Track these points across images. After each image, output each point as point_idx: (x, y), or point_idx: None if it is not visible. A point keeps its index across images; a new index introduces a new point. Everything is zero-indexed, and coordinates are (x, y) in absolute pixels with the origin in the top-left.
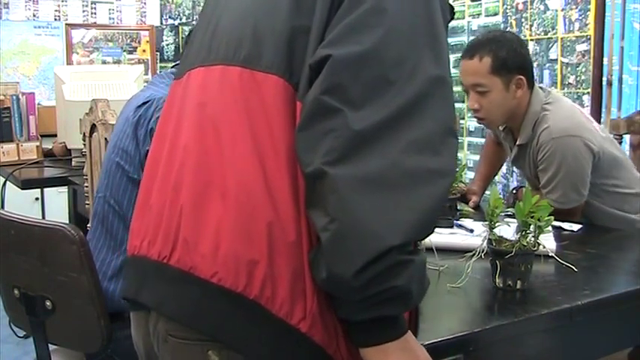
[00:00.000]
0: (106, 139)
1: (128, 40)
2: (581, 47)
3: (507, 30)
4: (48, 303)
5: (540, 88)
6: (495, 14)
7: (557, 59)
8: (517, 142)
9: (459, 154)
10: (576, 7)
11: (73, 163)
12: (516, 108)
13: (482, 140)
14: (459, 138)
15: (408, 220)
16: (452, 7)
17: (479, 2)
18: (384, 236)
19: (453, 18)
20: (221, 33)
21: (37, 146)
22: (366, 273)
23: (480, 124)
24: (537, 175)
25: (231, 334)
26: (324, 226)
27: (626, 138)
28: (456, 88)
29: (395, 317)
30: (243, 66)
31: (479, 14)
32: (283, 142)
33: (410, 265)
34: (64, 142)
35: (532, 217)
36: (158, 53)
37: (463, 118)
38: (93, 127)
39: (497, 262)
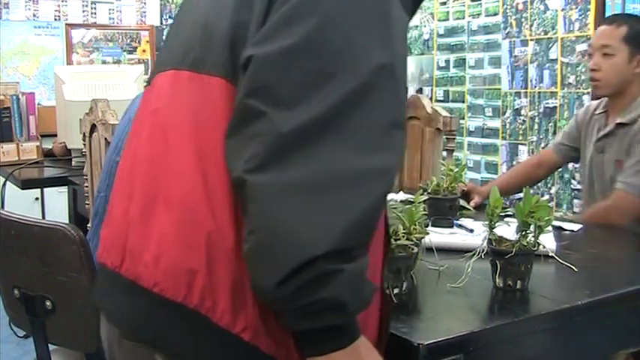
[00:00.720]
0: (106, 139)
1: (128, 40)
2: (581, 47)
3: None
4: (48, 303)
5: None
6: (495, 14)
7: (557, 59)
8: (617, 121)
9: (459, 154)
10: (576, 7)
11: (73, 163)
12: (629, 84)
13: (483, 140)
14: (459, 138)
15: (337, 226)
16: None
17: (479, 2)
18: (308, 245)
19: None
20: (179, 37)
21: (37, 146)
22: (290, 284)
23: (593, 85)
24: (615, 162)
25: (174, 343)
26: (245, 238)
27: None
28: (458, 88)
29: (338, 326)
30: (192, 69)
31: (479, 14)
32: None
33: (338, 275)
34: (64, 142)
35: (532, 217)
36: (158, 53)
37: (463, 118)
38: (93, 127)
39: (497, 262)
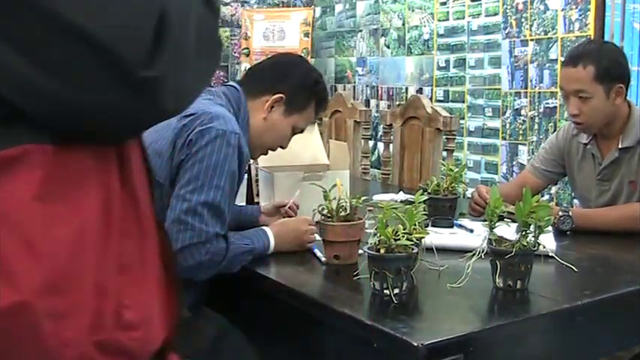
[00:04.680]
0: None
1: None
2: None
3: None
4: None
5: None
6: (495, 14)
7: (557, 59)
8: (621, 146)
9: (459, 154)
10: (576, 7)
11: None
12: (613, 115)
13: (483, 140)
14: (459, 138)
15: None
16: None
17: (479, 2)
18: None
19: None
20: None
21: None
22: None
23: (577, 128)
24: (630, 183)
25: None
26: None
27: None
28: (458, 88)
29: None
30: None
31: (479, 14)
32: None
33: None
34: None
35: (532, 217)
36: None
37: (463, 118)
38: None
39: (497, 262)
